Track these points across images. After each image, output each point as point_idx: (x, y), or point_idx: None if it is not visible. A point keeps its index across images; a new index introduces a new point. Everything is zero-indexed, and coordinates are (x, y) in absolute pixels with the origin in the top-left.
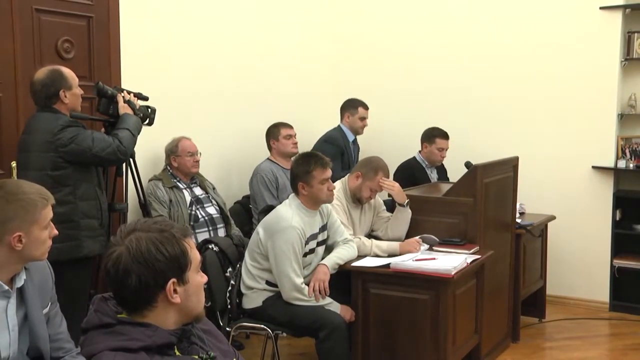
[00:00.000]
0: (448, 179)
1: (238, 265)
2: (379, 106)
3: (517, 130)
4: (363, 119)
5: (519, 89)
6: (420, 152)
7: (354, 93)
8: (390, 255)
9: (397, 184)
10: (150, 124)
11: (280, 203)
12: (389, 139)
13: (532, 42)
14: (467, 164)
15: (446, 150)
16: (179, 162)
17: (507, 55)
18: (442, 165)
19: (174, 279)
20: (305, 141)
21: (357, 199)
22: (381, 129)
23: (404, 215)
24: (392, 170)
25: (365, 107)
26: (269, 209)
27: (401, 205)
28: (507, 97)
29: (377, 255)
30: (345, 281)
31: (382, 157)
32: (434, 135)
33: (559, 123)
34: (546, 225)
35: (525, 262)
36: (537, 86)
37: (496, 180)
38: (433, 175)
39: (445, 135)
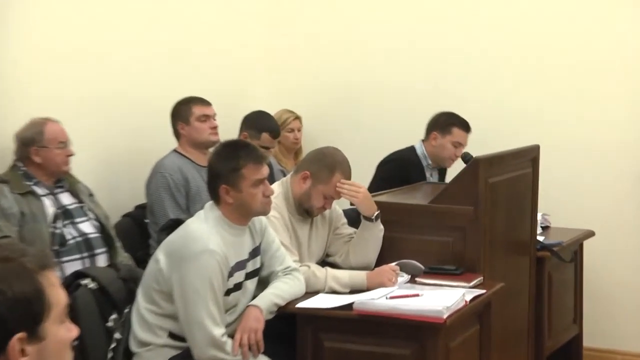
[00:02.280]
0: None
1: (126, 311)
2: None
3: (537, 113)
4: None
5: (537, 54)
6: (423, 141)
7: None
8: (354, 291)
9: (363, 188)
10: None
11: (192, 216)
12: (358, 123)
13: None
14: (465, 157)
15: (463, 148)
16: (45, 157)
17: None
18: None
19: (21, 334)
20: (228, 126)
21: (304, 210)
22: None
23: (373, 233)
24: (370, 164)
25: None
26: (175, 224)
27: (368, 218)
28: (521, 63)
29: (335, 292)
30: (287, 330)
31: (347, 149)
32: (451, 124)
33: (597, 104)
34: (581, 246)
35: (552, 300)
36: (567, 52)
37: (508, 179)
38: (433, 179)
39: (467, 127)
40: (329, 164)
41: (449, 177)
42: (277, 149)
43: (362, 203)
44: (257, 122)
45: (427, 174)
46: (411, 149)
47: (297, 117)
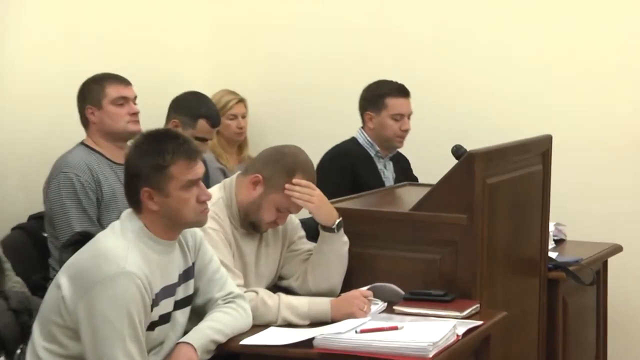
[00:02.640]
0: (416, 178)
1: (19, 352)
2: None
3: (548, 101)
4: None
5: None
6: (362, 128)
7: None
8: (315, 324)
9: (318, 191)
10: None
11: (104, 228)
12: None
13: None
14: (457, 150)
15: (408, 117)
16: None
17: None
18: (400, 157)
19: None
20: (153, 113)
21: (250, 224)
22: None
23: (335, 247)
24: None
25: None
26: (82, 239)
27: (328, 228)
28: (524, 39)
29: (290, 324)
30: None
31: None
32: (381, 95)
33: (623, 93)
34: (605, 265)
35: (568, 332)
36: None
37: (511, 180)
38: (388, 172)
39: (402, 91)
40: (287, 167)
41: (425, 175)
42: (215, 141)
43: (318, 209)
44: (191, 106)
45: (379, 166)
46: (352, 140)
47: (242, 100)
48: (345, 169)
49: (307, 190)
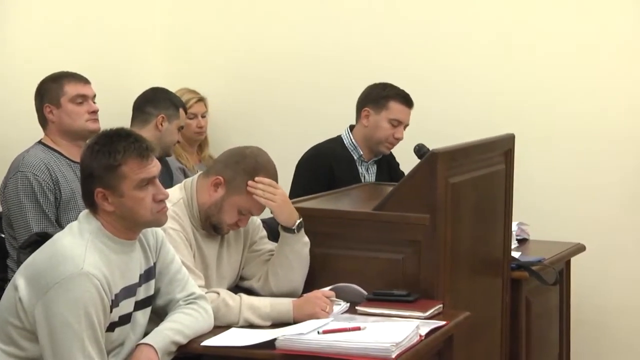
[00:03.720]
0: None
1: None
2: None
3: (513, 99)
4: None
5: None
6: (350, 128)
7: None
8: (277, 324)
9: (280, 190)
10: None
11: (63, 228)
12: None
13: None
14: (419, 149)
15: (405, 127)
16: None
17: None
18: (389, 158)
19: None
20: (111, 111)
21: (211, 225)
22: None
23: (295, 248)
24: (295, 162)
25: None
26: (40, 240)
27: (288, 229)
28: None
29: (252, 325)
30: None
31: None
32: (387, 97)
33: (588, 90)
34: (568, 264)
35: (531, 332)
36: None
37: (474, 179)
38: (369, 175)
39: (407, 100)
40: (248, 169)
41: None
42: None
43: (280, 208)
44: (169, 98)
45: (361, 170)
46: (336, 140)
47: (202, 99)
48: (323, 169)
49: (269, 189)
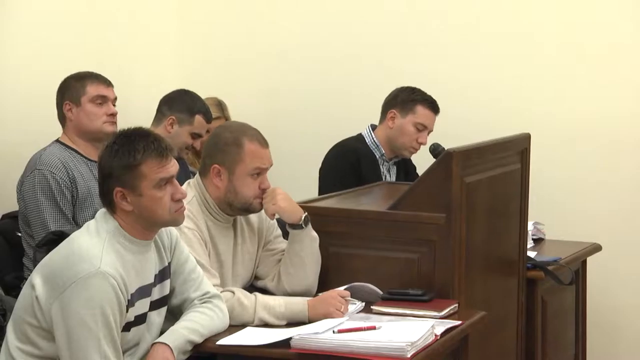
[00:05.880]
0: None
1: None
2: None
3: (528, 98)
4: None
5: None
6: (375, 126)
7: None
8: (292, 324)
9: (279, 191)
10: None
11: (80, 227)
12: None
13: None
14: (434, 149)
15: (428, 133)
16: None
17: None
18: (406, 160)
19: None
20: (127, 112)
21: (240, 210)
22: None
23: (305, 244)
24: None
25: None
26: (57, 239)
27: (295, 226)
28: (504, 33)
29: (267, 324)
30: None
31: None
32: (414, 100)
33: (606, 89)
34: (584, 264)
35: (547, 332)
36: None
37: (490, 178)
38: (390, 177)
39: (434, 106)
40: (230, 142)
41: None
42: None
43: (284, 209)
44: (186, 102)
45: (383, 169)
46: (358, 138)
47: (221, 118)
48: (351, 165)
49: (269, 194)
